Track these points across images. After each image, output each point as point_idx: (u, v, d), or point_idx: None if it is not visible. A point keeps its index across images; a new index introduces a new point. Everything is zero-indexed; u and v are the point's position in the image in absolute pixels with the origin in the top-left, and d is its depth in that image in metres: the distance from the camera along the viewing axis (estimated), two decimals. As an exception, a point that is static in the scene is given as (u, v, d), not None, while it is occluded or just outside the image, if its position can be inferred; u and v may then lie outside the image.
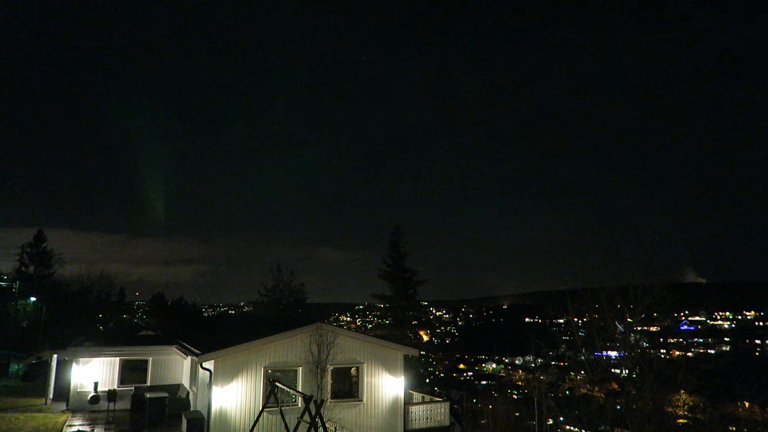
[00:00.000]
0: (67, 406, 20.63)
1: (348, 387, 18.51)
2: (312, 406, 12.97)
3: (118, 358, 21.46)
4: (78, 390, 20.67)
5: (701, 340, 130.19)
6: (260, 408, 15.65)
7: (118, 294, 68.19)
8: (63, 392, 21.72)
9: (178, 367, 22.32)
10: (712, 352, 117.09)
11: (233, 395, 16.22)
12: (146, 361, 21.92)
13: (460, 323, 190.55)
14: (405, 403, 19.06)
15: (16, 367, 34.26)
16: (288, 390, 15.33)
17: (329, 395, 17.46)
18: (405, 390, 19.47)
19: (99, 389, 20.19)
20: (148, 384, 21.49)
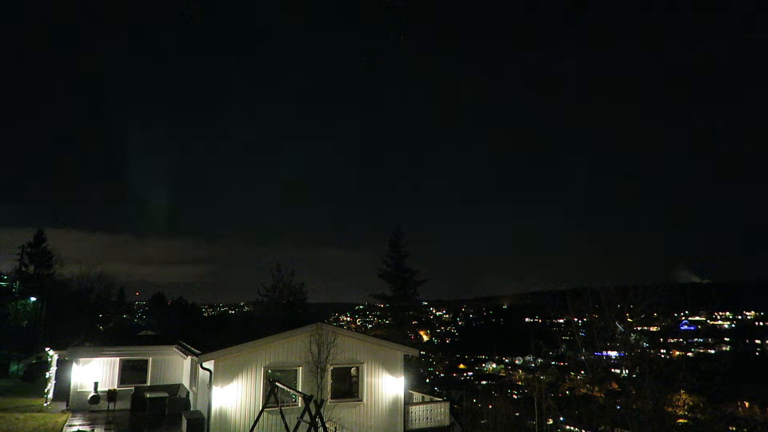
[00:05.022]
0: (67, 406, 20.61)
1: (348, 387, 18.50)
2: (312, 406, 12.97)
3: (118, 358, 21.44)
4: (78, 390, 20.65)
5: (701, 340, 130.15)
6: (260, 408, 15.64)
7: (118, 294, 68.27)
8: (63, 392, 21.68)
9: (178, 367, 22.30)
10: (712, 352, 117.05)
11: (233, 395, 16.21)
12: (146, 361, 21.90)
13: (460, 323, 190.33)
14: (405, 403, 19.05)
15: (16, 367, 34.29)
16: (288, 390, 15.34)
17: (329, 395, 17.44)
18: (405, 390, 19.45)
19: (99, 389, 20.20)
20: (148, 384, 21.47)
